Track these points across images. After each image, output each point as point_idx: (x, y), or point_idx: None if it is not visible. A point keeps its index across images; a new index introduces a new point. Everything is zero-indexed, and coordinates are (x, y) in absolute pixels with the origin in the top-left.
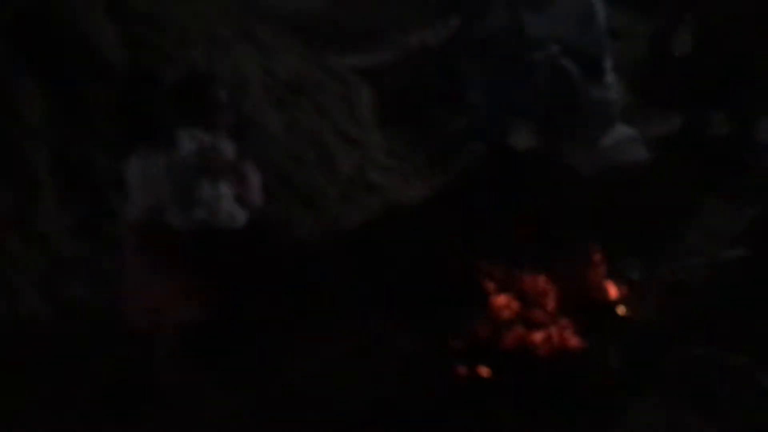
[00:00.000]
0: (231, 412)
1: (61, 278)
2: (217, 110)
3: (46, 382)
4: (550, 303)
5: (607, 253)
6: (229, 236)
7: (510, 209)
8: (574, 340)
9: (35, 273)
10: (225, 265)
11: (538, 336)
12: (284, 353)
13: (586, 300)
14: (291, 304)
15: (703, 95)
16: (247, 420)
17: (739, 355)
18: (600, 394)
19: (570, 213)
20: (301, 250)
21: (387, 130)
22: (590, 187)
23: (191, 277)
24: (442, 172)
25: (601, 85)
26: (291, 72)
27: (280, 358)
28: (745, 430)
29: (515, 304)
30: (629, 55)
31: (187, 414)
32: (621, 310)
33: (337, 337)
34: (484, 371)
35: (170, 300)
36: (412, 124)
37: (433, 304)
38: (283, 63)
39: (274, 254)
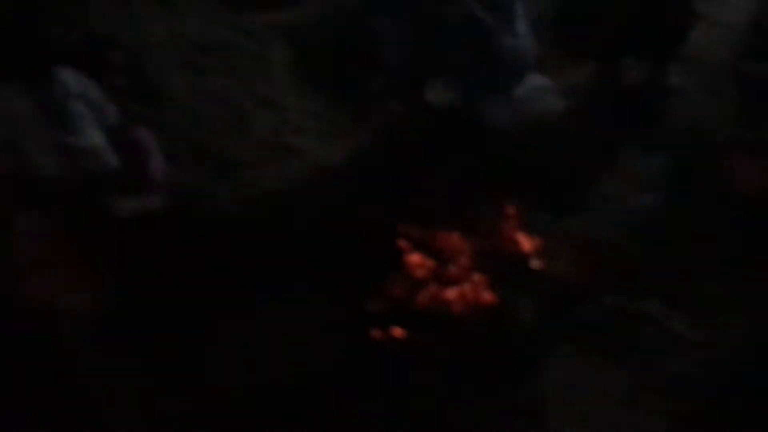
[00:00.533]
0: (146, 393)
1: None
2: (114, 74)
3: None
4: (464, 259)
5: (521, 206)
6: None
7: (428, 167)
8: (488, 296)
9: None
10: (132, 242)
11: (452, 293)
12: (202, 328)
13: (500, 255)
14: (208, 276)
15: (614, 42)
16: (165, 399)
17: (653, 303)
18: (515, 349)
19: (485, 166)
20: (216, 220)
21: (304, 90)
22: (505, 139)
23: (87, 254)
24: (361, 132)
25: (513, 33)
26: (200, 31)
27: (198, 335)
28: (660, 377)
29: (430, 262)
30: (541, 4)
31: (100, 402)
32: (535, 263)
33: (258, 309)
34: (398, 332)
35: (64, 281)
36: (329, 83)
37: (350, 267)
38: (191, 22)
39: (188, 227)
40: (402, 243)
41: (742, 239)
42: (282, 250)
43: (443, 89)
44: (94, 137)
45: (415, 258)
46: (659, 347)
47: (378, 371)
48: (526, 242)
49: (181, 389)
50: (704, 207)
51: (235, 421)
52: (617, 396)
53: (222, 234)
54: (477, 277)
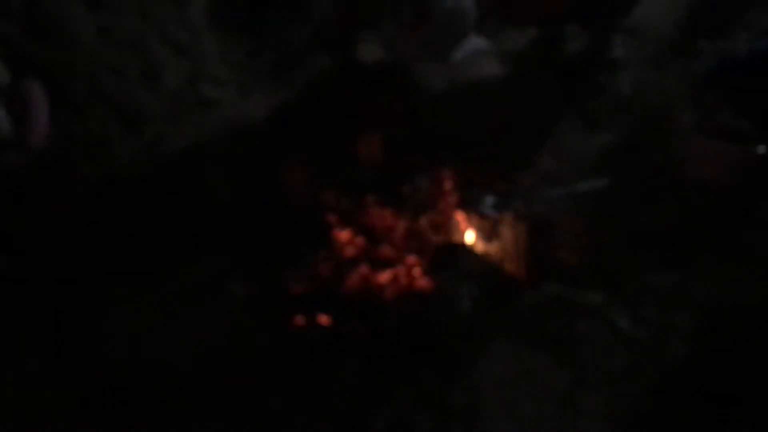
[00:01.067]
0: (33, 374)
1: None
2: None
3: None
4: (398, 238)
5: (458, 181)
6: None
7: (356, 130)
8: (422, 281)
9: None
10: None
11: (384, 276)
12: (96, 302)
13: (436, 235)
14: (102, 245)
15: (558, 8)
16: (54, 381)
17: (596, 295)
18: (448, 342)
19: (418, 133)
20: (118, 180)
21: (222, 36)
22: (440, 103)
23: None
24: (283, 86)
25: None
26: None
27: (91, 308)
28: (601, 376)
29: (360, 240)
30: None
31: None
32: (473, 246)
33: (160, 282)
34: (324, 319)
35: None
36: (251, 30)
37: (269, 242)
38: None
39: (81, 187)
40: (329, 217)
41: (693, 228)
42: (192, 217)
43: (376, 46)
44: None
45: (343, 234)
46: (601, 344)
47: (295, 361)
48: (464, 222)
49: (69, 372)
50: (651, 191)
51: (128, 410)
52: (555, 396)
53: (124, 196)
54: (411, 259)
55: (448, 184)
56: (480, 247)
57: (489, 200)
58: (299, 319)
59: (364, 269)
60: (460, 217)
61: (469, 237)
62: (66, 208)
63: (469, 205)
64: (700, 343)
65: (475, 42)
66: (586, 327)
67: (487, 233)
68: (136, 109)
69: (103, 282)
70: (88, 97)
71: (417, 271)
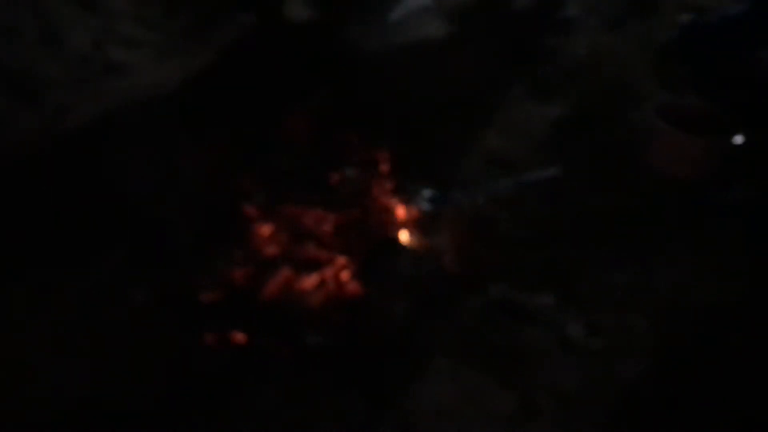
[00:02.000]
0: None
1: None
2: None
3: None
4: (325, 235)
5: (393, 164)
6: None
7: (281, 100)
8: (352, 285)
9: None
10: None
11: (309, 280)
12: None
13: (368, 230)
14: None
15: None
16: None
17: (543, 294)
18: (379, 359)
19: (350, 105)
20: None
21: None
22: (375, 70)
23: None
24: (203, 48)
25: None
26: None
27: None
28: (552, 397)
29: (281, 237)
30: None
31: None
32: (410, 244)
33: (44, 286)
34: (238, 336)
35: None
36: None
37: (176, 236)
38: None
39: None
40: (247, 209)
41: (651, 218)
42: (90, 207)
43: (304, 4)
44: None
45: (262, 230)
46: (551, 357)
47: (201, 388)
48: (399, 215)
49: None
50: (606, 175)
51: None
52: (500, 422)
53: (15, 181)
54: (340, 260)
55: (382, 170)
56: (416, 245)
57: (426, 193)
58: (209, 337)
59: (286, 272)
60: (395, 209)
61: (405, 234)
62: None
63: (406, 196)
64: (661, 353)
65: None
66: (534, 336)
67: (425, 229)
68: (34, 77)
69: None
70: None
71: (346, 275)
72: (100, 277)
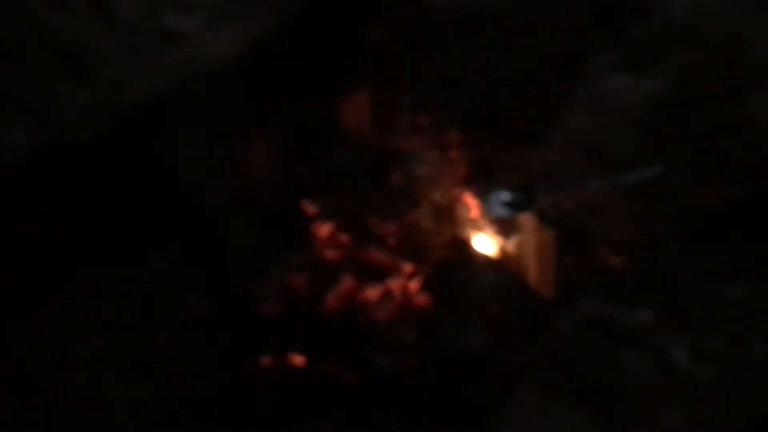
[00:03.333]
0: None
1: None
2: None
3: None
4: (391, 238)
5: (468, 160)
6: None
7: (349, 70)
8: (421, 298)
9: None
10: None
11: (374, 291)
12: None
13: (440, 237)
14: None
15: None
16: None
17: (642, 311)
18: (455, 388)
19: (420, 73)
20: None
21: None
22: (443, 36)
23: None
24: (262, 11)
25: None
26: None
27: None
28: None
29: (343, 239)
30: None
31: None
32: (487, 252)
33: (101, 290)
34: (297, 359)
35: None
36: None
37: (231, 236)
38: None
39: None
40: (307, 206)
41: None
42: (144, 196)
43: None
44: None
45: (323, 230)
46: (652, 388)
47: (256, 415)
48: (475, 217)
49: None
50: (718, 168)
51: None
52: None
53: (67, 167)
54: (407, 267)
55: (454, 163)
56: (495, 254)
57: (503, 195)
58: (266, 359)
59: (348, 281)
60: (471, 210)
61: (481, 240)
62: None
63: (482, 196)
64: None
65: None
66: (632, 363)
67: (505, 235)
68: (86, 50)
69: (26, 285)
70: (24, 37)
71: (414, 285)
72: (153, 278)
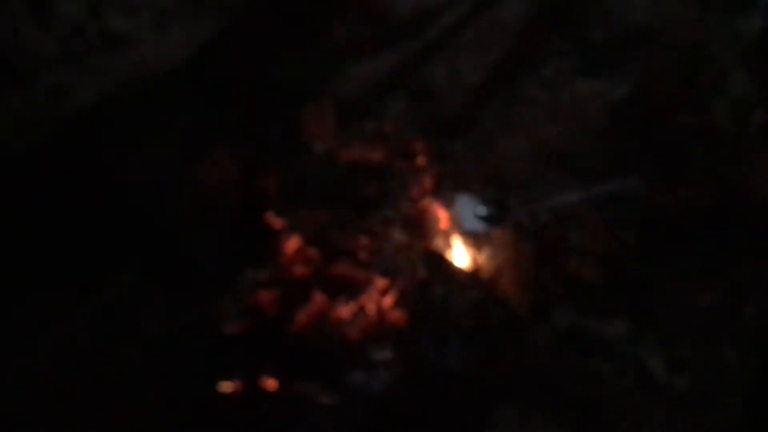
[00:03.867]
0: None
1: None
2: None
3: None
4: (362, 251)
5: (436, 163)
6: None
7: (307, 75)
8: (396, 314)
9: None
10: None
11: (346, 308)
12: None
13: (413, 250)
14: None
15: None
16: None
17: (617, 322)
18: (433, 408)
19: (381, 87)
20: None
21: None
22: (406, 37)
23: None
24: (211, 12)
25: None
26: None
27: None
28: None
29: (312, 253)
30: None
31: None
32: (462, 265)
33: (46, 313)
34: (269, 383)
35: None
36: None
37: (193, 252)
38: None
39: None
40: (271, 219)
41: (736, 227)
42: (94, 211)
43: None
44: None
45: (290, 244)
46: (630, 400)
47: None
48: (448, 230)
49: None
50: (684, 175)
51: None
52: None
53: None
54: (380, 282)
55: (424, 173)
56: (469, 267)
57: (478, 209)
58: (235, 383)
59: (319, 298)
60: (443, 222)
61: (455, 254)
62: None
63: (455, 209)
64: (761, 392)
65: None
66: (609, 374)
67: (479, 248)
68: (23, 52)
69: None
70: None
71: (388, 301)
72: (109, 300)
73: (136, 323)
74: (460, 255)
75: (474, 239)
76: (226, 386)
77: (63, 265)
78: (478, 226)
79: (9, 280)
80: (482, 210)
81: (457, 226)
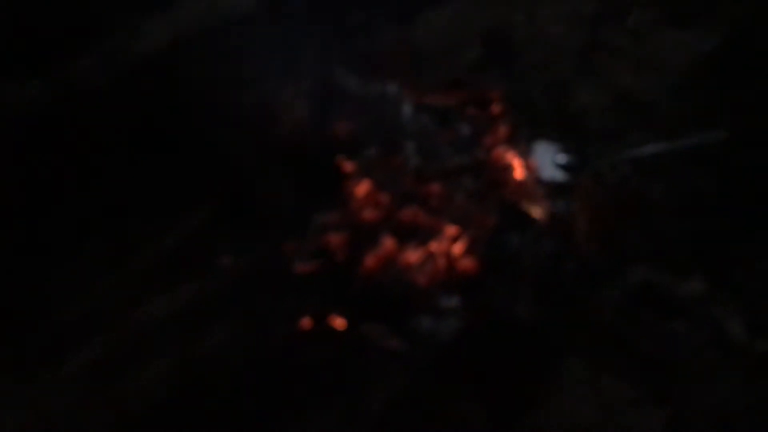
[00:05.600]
0: None
1: None
2: None
3: None
4: (434, 198)
5: (514, 111)
6: None
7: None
8: (466, 262)
9: None
10: None
11: (415, 254)
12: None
13: (487, 198)
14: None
15: None
16: None
17: (693, 280)
18: (502, 359)
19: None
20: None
21: None
22: None
23: None
24: None
25: None
26: None
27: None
28: (706, 408)
29: (383, 198)
30: None
31: None
32: (537, 215)
33: (121, 250)
34: (338, 322)
35: None
36: None
37: (265, 193)
38: None
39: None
40: (341, 162)
41: None
42: (170, 155)
43: None
44: None
45: (360, 188)
46: (708, 360)
47: (296, 380)
48: (524, 179)
49: None
50: None
51: None
52: None
53: (77, 123)
54: (451, 229)
55: (500, 120)
56: (544, 217)
57: (558, 157)
58: (305, 322)
59: (388, 242)
60: (519, 171)
61: (530, 202)
62: None
63: (533, 157)
64: None
65: None
66: (684, 333)
67: (555, 198)
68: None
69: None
70: None
71: (459, 248)
72: (183, 239)
73: (210, 258)
74: (536, 204)
75: (551, 188)
76: (296, 323)
77: (143, 199)
78: (557, 175)
79: (87, 215)
80: (562, 158)
81: (534, 175)
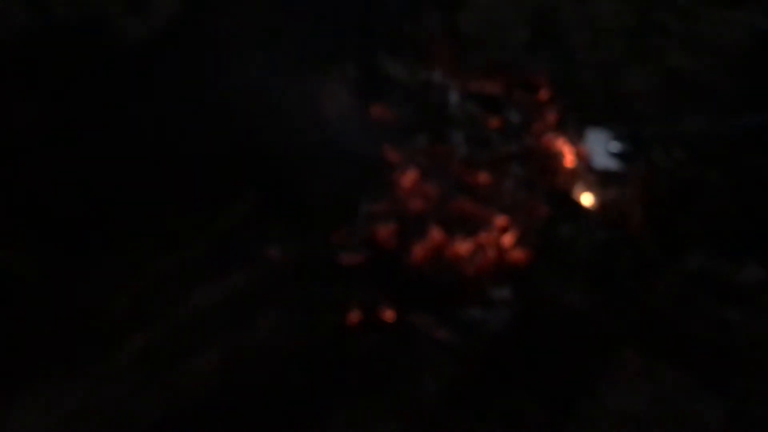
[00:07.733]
0: None
1: None
2: None
3: None
4: (483, 188)
5: (564, 100)
6: None
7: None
8: (516, 253)
9: None
10: None
11: (464, 245)
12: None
13: (537, 187)
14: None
15: None
16: None
17: (750, 267)
18: (555, 350)
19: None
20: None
21: None
22: None
23: None
24: None
25: None
26: None
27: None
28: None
29: (430, 188)
30: None
31: None
32: (589, 204)
33: (171, 238)
34: (388, 314)
35: None
36: None
37: (314, 183)
38: None
39: None
40: (388, 152)
41: None
42: (218, 138)
43: None
44: None
45: (408, 178)
46: (765, 352)
47: (346, 372)
48: (575, 166)
49: None
50: None
51: None
52: None
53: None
54: (500, 220)
55: (550, 104)
56: (597, 206)
57: (611, 145)
58: (355, 313)
59: (436, 233)
60: (570, 158)
61: (582, 191)
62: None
63: (583, 145)
64: None
65: None
66: (740, 322)
67: (608, 185)
68: None
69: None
70: None
71: (508, 239)
72: (229, 225)
73: (255, 249)
74: (588, 192)
75: (604, 176)
76: (344, 314)
77: (192, 190)
78: (610, 163)
79: (138, 208)
80: (616, 146)
81: (586, 162)
